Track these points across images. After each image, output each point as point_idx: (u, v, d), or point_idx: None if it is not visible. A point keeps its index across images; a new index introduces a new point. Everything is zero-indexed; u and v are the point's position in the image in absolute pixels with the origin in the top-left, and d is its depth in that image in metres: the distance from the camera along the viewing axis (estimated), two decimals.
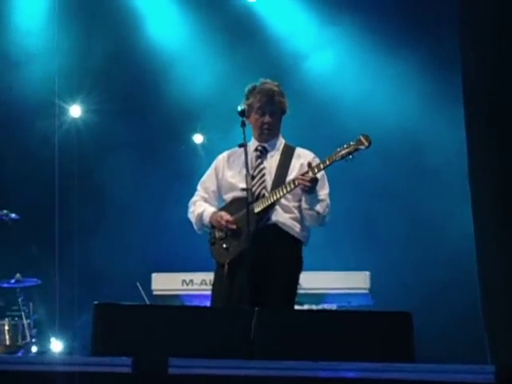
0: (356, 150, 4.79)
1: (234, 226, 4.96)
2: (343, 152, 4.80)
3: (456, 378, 3.38)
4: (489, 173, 6.63)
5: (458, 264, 7.63)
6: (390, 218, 8.27)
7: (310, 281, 6.68)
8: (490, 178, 6.66)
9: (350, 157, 4.80)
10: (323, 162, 4.90)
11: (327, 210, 5.03)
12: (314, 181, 4.86)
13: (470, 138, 6.86)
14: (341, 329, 3.79)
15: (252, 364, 3.45)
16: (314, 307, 6.94)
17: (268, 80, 5.20)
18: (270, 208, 4.97)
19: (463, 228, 7.21)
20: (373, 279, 7.01)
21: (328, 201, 5.05)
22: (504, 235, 6.66)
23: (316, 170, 4.86)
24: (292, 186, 4.91)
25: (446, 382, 3.38)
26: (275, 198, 4.94)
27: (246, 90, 5.19)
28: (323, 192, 5.04)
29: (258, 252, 4.71)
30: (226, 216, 5.01)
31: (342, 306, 6.99)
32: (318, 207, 4.99)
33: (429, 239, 8.21)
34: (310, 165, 4.88)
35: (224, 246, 5.01)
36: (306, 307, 6.75)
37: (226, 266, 4.96)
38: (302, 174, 4.87)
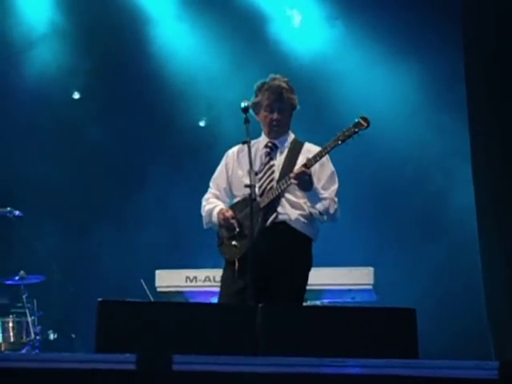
0: (355, 132, 4.80)
1: (233, 221, 4.96)
2: (343, 136, 4.82)
3: (460, 374, 3.38)
4: (491, 175, 6.69)
5: (463, 260, 7.63)
6: (394, 213, 8.27)
7: (314, 277, 6.63)
8: (492, 182, 6.72)
9: (350, 139, 4.82)
10: (323, 148, 4.90)
11: (333, 207, 5.00)
12: (303, 175, 4.84)
13: (473, 141, 6.92)
14: (345, 325, 3.79)
15: (256, 360, 3.45)
16: (318, 303, 6.94)
17: (277, 76, 5.17)
18: (276, 202, 4.97)
19: (469, 222, 7.22)
20: (377, 275, 7.01)
21: (333, 198, 5.01)
22: (506, 231, 6.69)
23: (313, 162, 4.86)
24: (288, 181, 4.92)
25: (450, 377, 3.38)
26: (277, 192, 4.94)
27: (255, 86, 5.17)
28: (329, 190, 5.02)
29: (267, 250, 4.73)
30: (227, 212, 5.02)
31: (345, 301, 6.98)
32: (319, 205, 4.97)
33: (433, 234, 8.20)
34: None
35: (233, 243, 5.00)
36: (309, 303, 6.75)
37: (237, 263, 4.96)
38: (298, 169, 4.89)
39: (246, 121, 4.90)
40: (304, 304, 6.41)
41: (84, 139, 8.91)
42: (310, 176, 4.87)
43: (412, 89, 8.23)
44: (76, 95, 9.18)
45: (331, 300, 7.04)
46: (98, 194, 8.90)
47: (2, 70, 8.67)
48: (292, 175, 4.88)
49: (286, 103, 5.11)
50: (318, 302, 6.94)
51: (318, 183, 5.02)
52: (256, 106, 5.10)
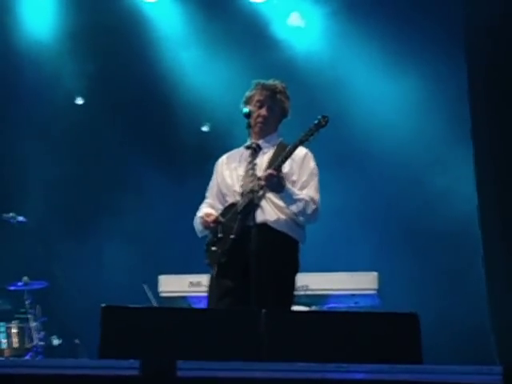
0: (316, 130, 4.80)
1: (213, 225, 4.97)
2: (305, 136, 4.83)
3: (463, 379, 3.37)
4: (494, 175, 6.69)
5: (467, 265, 7.62)
6: (398, 218, 8.26)
7: (318, 282, 6.67)
8: (494, 184, 6.73)
9: (311, 138, 4.82)
10: (288, 149, 4.88)
11: (310, 207, 4.93)
12: (270, 177, 4.81)
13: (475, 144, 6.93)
14: (348, 330, 3.78)
15: (260, 366, 3.44)
16: (322, 308, 6.93)
17: (277, 81, 5.21)
18: (255, 204, 4.91)
19: (473, 225, 7.22)
20: (381, 280, 7.00)
21: (310, 199, 4.95)
22: (510, 234, 6.69)
23: (281, 163, 4.85)
24: (259, 183, 4.91)
25: (453, 383, 3.37)
26: (251, 196, 4.89)
27: (253, 83, 5.23)
28: (306, 189, 4.99)
29: (248, 252, 4.69)
30: (208, 217, 5.02)
31: (349, 306, 6.97)
32: (294, 207, 4.93)
33: (437, 239, 8.18)
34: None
35: (213, 248, 5.00)
36: (313, 308, 6.74)
37: (215, 268, 4.97)
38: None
39: (249, 126, 4.92)
40: (307, 309, 6.43)
41: (88, 144, 8.93)
42: (279, 178, 4.84)
43: (414, 90, 8.22)
44: (79, 100, 9.19)
45: (335, 305, 7.02)
46: (102, 199, 8.91)
47: (5, 74, 8.68)
48: (261, 177, 4.87)
49: (277, 104, 5.14)
50: (321, 307, 6.93)
51: (298, 181, 5.01)
52: (248, 100, 5.15)
